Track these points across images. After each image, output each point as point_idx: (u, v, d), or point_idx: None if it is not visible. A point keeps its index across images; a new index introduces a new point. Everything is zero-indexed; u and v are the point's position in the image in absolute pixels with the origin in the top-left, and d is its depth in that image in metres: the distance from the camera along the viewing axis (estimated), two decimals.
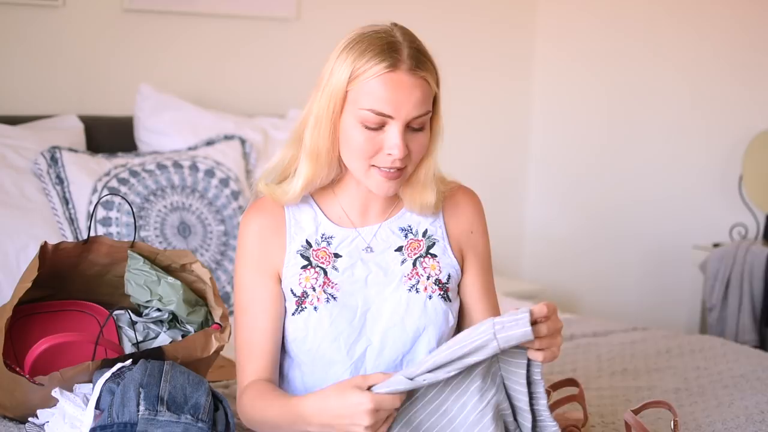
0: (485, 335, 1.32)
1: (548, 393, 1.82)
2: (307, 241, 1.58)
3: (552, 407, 1.80)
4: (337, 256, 1.57)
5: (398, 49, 1.49)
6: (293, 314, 1.56)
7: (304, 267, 1.56)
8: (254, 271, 1.59)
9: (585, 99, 3.93)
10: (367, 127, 1.49)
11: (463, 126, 3.81)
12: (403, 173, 1.52)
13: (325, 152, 1.53)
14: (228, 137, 2.92)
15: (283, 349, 1.61)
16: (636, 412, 1.67)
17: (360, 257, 1.58)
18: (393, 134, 1.48)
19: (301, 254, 1.57)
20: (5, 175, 2.56)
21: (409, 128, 1.50)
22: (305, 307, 1.54)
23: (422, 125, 1.51)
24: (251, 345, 1.57)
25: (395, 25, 1.55)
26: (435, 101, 1.55)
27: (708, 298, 3.44)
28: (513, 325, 1.32)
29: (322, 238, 1.58)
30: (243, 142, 2.93)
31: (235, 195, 2.79)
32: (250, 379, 1.56)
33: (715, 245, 3.53)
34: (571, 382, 1.89)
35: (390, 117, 1.48)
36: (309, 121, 1.55)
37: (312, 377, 1.57)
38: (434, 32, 3.65)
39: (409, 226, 1.62)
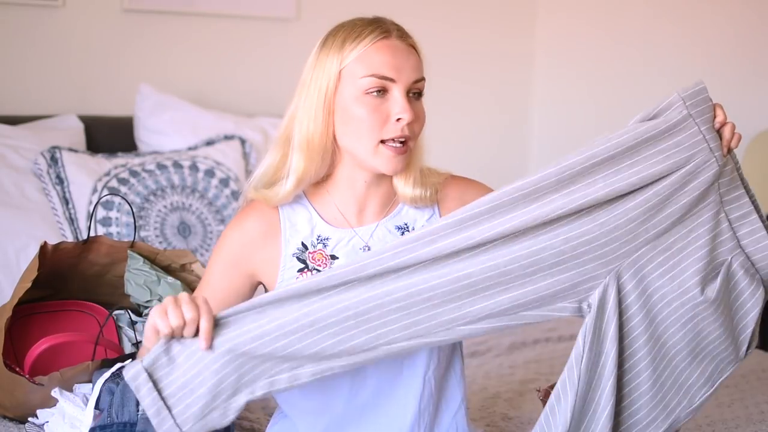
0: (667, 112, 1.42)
1: (547, 393, 1.81)
2: (303, 244, 1.55)
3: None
4: (334, 257, 1.54)
5: (383, 21, 1.53)
6: None
7: (300, 270, 1.53)
8: (226, 263, 1.55)
9: (584, 101, 3.93)
10: (370, 95, 1.48)
11: (463, 128, 3.82)
12: (408, 147, 1.50)
13: (318, 138, 1.51)
14: (228, 137, 2.92)
15: None
16: None
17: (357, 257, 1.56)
18: (398, 98, 1.48)
19: (297, 257, 1.54)
20: (5, 175, 2.56)
21: (409, 95, 1.50)
22: None
23: (420, 91, 1.52)
24: None
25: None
26: None
27: None
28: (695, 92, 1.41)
29: (318, 239, 1.55)
30: (243, 142, 2.93)
31: (235, 195, 2.79)
32: None
33: None
34: None
35: (392, 80, 1.48)
36: (296, 116, 1.54)
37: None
38: (435, 34, 3.67)
39: (406, 224, 1.58)
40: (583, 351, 1.42)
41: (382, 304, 1.35)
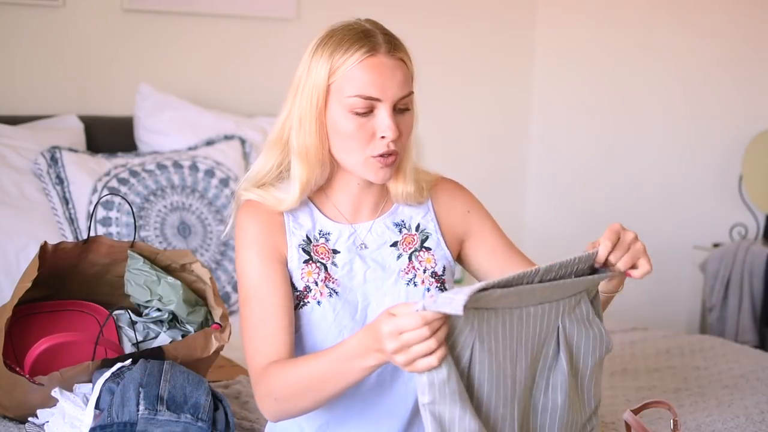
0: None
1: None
2: (307, 236, 1.59)
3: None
4: (335, 252, 1.59)
5: (373, 35, 1.53)
6: (295, 309, 1.55)
7: (306, 261, 1.57)
8: (260, 253, 1.55)
9: (584, 100, 3.93)
10: (356, 114, 1.50)
11: (463, 126, 3.82)
12: (397, 158, 1.54)
13: (314, 151, 1.54)
14: (228, 137, 2.92)
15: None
16: (636, 412, 1.67)
17: (357, 253, 1.60)
18: (383, 117, 1.50)
19: (302, 248, 1.57)
20: (5, 175, 2.56)
21: (396, 110, 1.52)
22: (308, 302, 1.55)
23: (407, 105, 1.54)
24: (266, 325, 1.50)
25: (363, 19, 1.58)
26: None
27: (708, 298, 3.44)
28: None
29: (320, 234, 1.59)
30: (243, 142, 2.93)
31: (235, 195, 2.79)
32: (270, 359, 1.48)
33: (715, 245, 3.53)
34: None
35: (378, 100, 1.50)
36: (292, 123, 1.56)
37: None
38: (435, 30, 3.67)
39: (403, 221, 1.64)
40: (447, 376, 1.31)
41: None
